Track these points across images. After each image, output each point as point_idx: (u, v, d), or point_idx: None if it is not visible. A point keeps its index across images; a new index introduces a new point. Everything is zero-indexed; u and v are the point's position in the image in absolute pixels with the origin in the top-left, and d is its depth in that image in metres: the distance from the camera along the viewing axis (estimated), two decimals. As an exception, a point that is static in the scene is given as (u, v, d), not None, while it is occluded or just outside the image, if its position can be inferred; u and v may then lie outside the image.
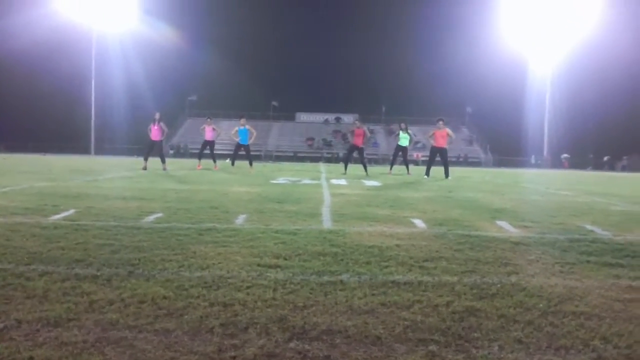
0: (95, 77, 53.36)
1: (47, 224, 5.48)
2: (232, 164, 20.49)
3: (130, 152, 45.22)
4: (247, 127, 19.55)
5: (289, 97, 61.30)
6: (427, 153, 19.93)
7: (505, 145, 53.89)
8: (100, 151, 50.07)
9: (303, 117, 64.33)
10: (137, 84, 51.13)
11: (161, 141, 18.53)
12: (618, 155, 53.24)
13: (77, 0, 48.76)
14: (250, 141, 19.73)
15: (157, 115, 18.23)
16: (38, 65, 49.26)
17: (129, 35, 51.70)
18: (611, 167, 51.16)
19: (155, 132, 18.10)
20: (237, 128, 19.56)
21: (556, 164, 51.72)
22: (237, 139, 19.52)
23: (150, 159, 18.57)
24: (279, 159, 47.70)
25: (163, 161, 18.46)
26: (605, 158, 53.00)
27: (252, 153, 20.28)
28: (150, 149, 18.44)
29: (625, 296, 3.35)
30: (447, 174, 17.34)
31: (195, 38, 58.84)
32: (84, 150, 50.15)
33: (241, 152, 19.88)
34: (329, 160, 48.83)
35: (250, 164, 19.78)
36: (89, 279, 3.41)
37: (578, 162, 51.55)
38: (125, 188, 10.19)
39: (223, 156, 27.40)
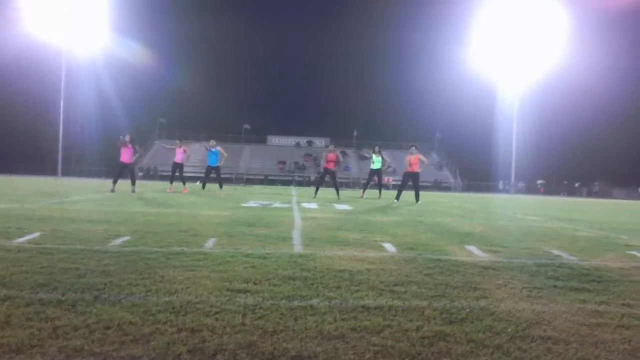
0: (64, 97, 52.61)
1: (11, 247, 5.35)
2: (203, 187, 20.32)
3: (98, 174, 44.65)
4: (218, 148, 19.49)
5: (261, 120, 61.60)
6: (398, 177, 20.12)
7: (474, 170, 54.74)
8: (67, 172, 49.30)
9: (275, 140, 64.45)
10: (107, 104, 50.76)
11: (132, 163, 18.30)
12: (588, 181, 54.46)
13: (47, 18, 48.20)
14: (221, 163, 19.67)
15: (127, 137, 17.98)
16: (5, 84, 48.47)
17: (99, 54, 51.41)
18: (582, 193, 52.19)
19: (125, 155, 17.85)
20: (207, 149, 19.51)
21: (525, 189, 52.59)
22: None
23: (120, 181, 18.31)
24: (250, 182, 47.53)
25: (133, 183, 18.22)
26: (577, 184, 54.16)
27: (222, 176, 20.19)
28: (120, 172, 18.17)
29: (591, 320, 3.39)
30: (417, 199, 17.49)
31: (167, 59, 58.87)
32: (50, 171, 49.29)
33: (212, 175, 19.78)
34: (300, 183, 48.82)
35: (220, 187, 19.67)
36: (54, 304, 3.32)
37: (552, 188, 52.49)
38: (92, 211, 10.02)
39: (194, 179, 27.20)
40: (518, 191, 51.77)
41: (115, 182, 18.05)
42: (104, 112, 50.71)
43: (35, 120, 51.18)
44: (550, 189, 52.57)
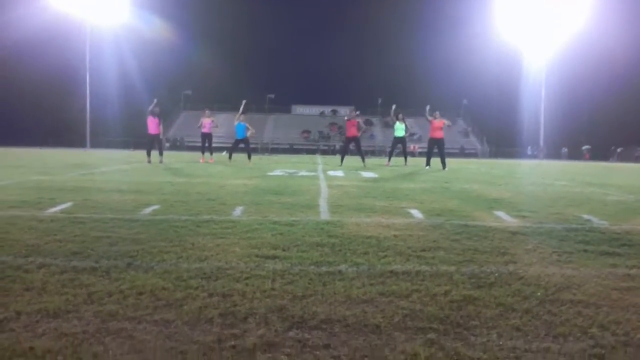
0: (90, 71, 53.05)
1: (44, 217, 5.47)
2: (230, 157, 20.33)
3: (126, 145, 45.16)
4: (246, 123, 19.42)
5: (285, 90, 61.31)
6: (424, 145, 19.99)
7: (501, 136, 54.03)
8: (96, 144, 49.91)
9: (299, 109, 64.30)
10: (131, 77, 51.03)
11: (159, 134, 18.48)
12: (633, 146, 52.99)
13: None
14: (249, 134, 19.64)
15: (157, 109, 18.19)
16: (32, 59, 49.03)
17: (123, 29, 51.47)
18: (630, 158, 50.38)
19: (153, 126, 18.03)
20: (235, 123, 19.51)
21: (567, 155, 51.51)
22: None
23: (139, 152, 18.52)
24: (275, 151, 47.64)
25: (161, 153, 18.44)
26: (619, 149, 52.81)
27: (240, 146, 20.13)
28: (151, 143, 18.39)
29: (622, 284, 3.36)
30: (444, 165, 17.37)
31: (190, 32, 58.71)
32: (79, 143, 49.98)
33: (241, 146, 19.78)
34: (325, 152, 48.80)
35: (249, 158, 19.71)
36: (88, 271, 3.41)
37: (598, 154, 51.04)
38: (121, 181, 10.17)
39: (220, 149, 27.34)
40: (542, 156, 50.94)
41: (149, 154, 18.25)
42: (129, 85, 51.05)
43: (63, 94, 51.70)
44: (596, 155, 51.16)
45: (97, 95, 52.58)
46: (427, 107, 18.34)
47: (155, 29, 52.88)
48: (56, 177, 10.67)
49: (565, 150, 53.94)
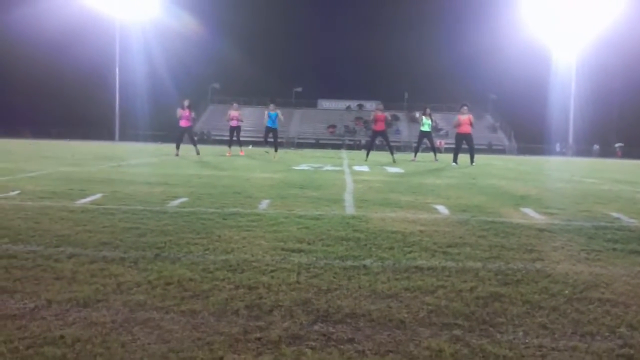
0: (119, 64, 53.79)
1: (75, 208, 5.58)
2: (268, 150, 20.16)
3: (154, 139, 45.66)
4: (278, 112, 19.40)
5: (311, 84, 61.21)
6: (450, 140, 19.77)
7: (529, 132, 53.25)
8: (124, 137, 50.59)
9: (325, 104, 64.18)
10: (160, 71, 51.56)
11: (191, 127, 18.62)
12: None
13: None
14: (279, 124, 19.59)
15: (187, 102, 18.33)
16: (62, 52, 49.68)
17: (151, 24, 51.99)
18: None
19: (185, 119, 18.18)
20: (267, 112, 19.50)
21: (599, 152, 50.50)
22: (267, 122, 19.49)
23: (166, 146, 18.71)
24: (301, 145, 47.71)
25: (195, 146, 18.62)
26: None
27: (269, 139, 20.10)
28: (181, 137, 18.56)
29: (652, 284, 3.31)
30: (472, 160, 17.14)
31: (217, 26, 58.97)
32: (107, 136, 50.70)
33: (270, 139, 19.74)
34: (351, 147, 48.71)
35: (276, 150, 19.71)
36: (116, 262, 3.47)
37: (631, 151, 49.82)
38: (149, 173, 10.30)
39: (247, 143, 27.45)
40: (571, 153, 50.08)
41: (178, 147, 18.41)
42: (157, 79, 51.58)
43: (92, 87, 52.41)
44: (629, 153, 49.95)
45: (126, 89, 53.27)
46: (462, 107, 17.83)
47: (182, 23, 53.28)
48: (85, 169, 10.85)
49: (597, 147, 52.81)
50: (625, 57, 48.50)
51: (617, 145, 52.39)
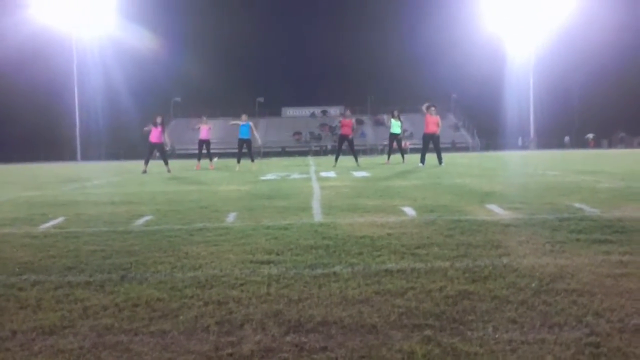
0: (78, 83, 52.94)
1: (37, 233, 5.45)
2: (238, 161, 19.92)
3: (117, 157, 45.06)
4: (250, 124, 19.25)
5: (274, 93, 61.22)
6: (415, 141, 19.92)
7: (491, 129, 54.15)
8: (87, 157, 49.73)
9: (289, 111, 64.30)
10: (119, 88, 50.92)
11: (161, 143, 18.33)
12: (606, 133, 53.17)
13: (55, 6, 48.18)
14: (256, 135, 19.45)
15: (160, 119, 18.10)
16: (19, 72, 48.74)
17: (108, 40, 51.38)
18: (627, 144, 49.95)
19: (155, 135, 17.90)
20: (239, 123, 19.27)
21: (570, 143, 51.23)
22: (238, 129, 19.28)
23: (134, 162, 18.45)
24: (266, 155, 47.59)
25: (166, 163, 18.31)
26: (620, 135, 52.61)
27: (243, 150, 19.92)
28: (151, 152, 18.27)
29: (615, 271, 3.38)
30: (440, 161, 17.20)
31: (176, 39, 58.63)
32: (70, 157, 49.81)
33: (244, 150, 19.49)
34: (317, 153, 48.80)
35: (252, 160, 19.56)
36: (82, 286, 3.40)
37: (600, 141, 50.58)
38: (113, 193, 10.14)
39: (216, 154, 27.16)
40: (532, 146, 50.99)
41: (146, 162, 18.08)
42: (117, 95, 50.95)
43: (51, 108, 51.49)
44: (601, 143, 50.71)
45: (86, 108, 52.49)
46: (425, 104, 17.94)
47: (140, 38, 52.73)
48: (48, 192, 10.63)
49: (567, 139, 53.65)
50: (582, 49, 49.68)
51: (588, 136, 53.22)
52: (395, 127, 19.74)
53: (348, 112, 19.51)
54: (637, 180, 9.73)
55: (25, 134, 50.83)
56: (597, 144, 51.79)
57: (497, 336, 2.42)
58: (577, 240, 4.33)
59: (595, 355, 2.20)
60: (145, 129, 18.08)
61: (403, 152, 20.78)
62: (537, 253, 3.94)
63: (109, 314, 2.86)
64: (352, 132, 18.82)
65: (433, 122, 17.12)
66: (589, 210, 5.92)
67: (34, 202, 8.64)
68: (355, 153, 19.47)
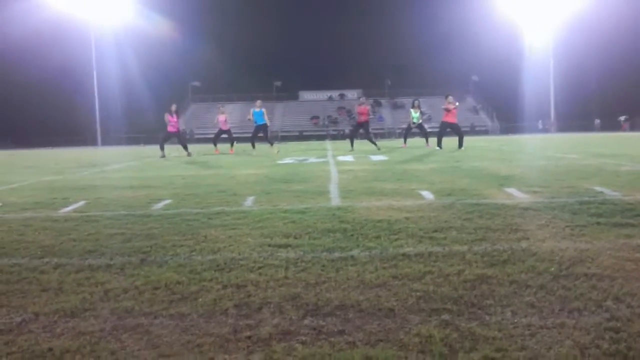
0: (97, 69, 53.26)
1: (58, 217, 5.52)
2: (253, 146, 20.07)
3: (136, 141, 45.37)
4: (263, 110, 19.38)
5: (291, 77, 60.92)
6: (434, 125, 19.85)
7: (511, 112, 53.48)
8: (107, 141, 50.17)
9: (306, 95, 64.02)
10: (138, 73, 51.14)
11: (179, 132, 18.49)
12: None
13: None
14: (266, 119, 19.54)
15: (174, 107, 18.19)
16: (39, 59, 49.08)
17: (126, 27, 51.44)
18: None
19: (173, 124, 18.03)
20: (252, 110, 19.45)
21: (600, 126, 49.98)
22: (252, 121, 19.44)
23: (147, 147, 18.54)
24: (284, 139, 47.59)
25: (185, 148, 18.46)
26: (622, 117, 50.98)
27: (259, 134, 20.00)
28: (167, 139, 18.42)
29: (636, 255, 3.34)
30: (460, 144, 17.13)
31: (194, 25, 58.50)
32: (90, 141, 50.25)
33: (260, 135, 19.67)
34: (334, 137, 48.67)
35: (271, 144, 19.64)
36: (103, 269, 3.44)
37: (609, 124, 49.24)
38: (132, 177, 10.23)
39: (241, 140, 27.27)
40: (553, 130, 50.21)
41: (162, 148, 18.27)
42: (136, 81, 51.13)
43: (72, 93, 51.88)
44: (635, 125, 48.50)
45: (105, 93, 52.76)
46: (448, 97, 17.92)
47: (158, 24, 52.81)
48: (68, 177, 10.75)
49: (598, 122, 52.12)
50: (602, 31, 48.74)
51: (622, 118, 51.07)
52: (415, 117, 20.13)
53: (363, 99, 19.56)
54: (659, 163, 9.57)
55: (46, 119, 51.34)
56: (631, 127, 49.30)
57: (515, 321, 2.41)
58: (598, 223, 4.28)
59: (615, 340, 2.18)
60: (167, 119, 18.14)
61: (427, 135, 20.77)
62: (557, 237, 3.91)
63: (129, 296, 2.89)
64: (367, 118, 18.86)
65: (452, 112, 17.17)
66: (610, 193, 5.85)
67: (55, 186, 8.75)
68: (371, 138, 19.39)
